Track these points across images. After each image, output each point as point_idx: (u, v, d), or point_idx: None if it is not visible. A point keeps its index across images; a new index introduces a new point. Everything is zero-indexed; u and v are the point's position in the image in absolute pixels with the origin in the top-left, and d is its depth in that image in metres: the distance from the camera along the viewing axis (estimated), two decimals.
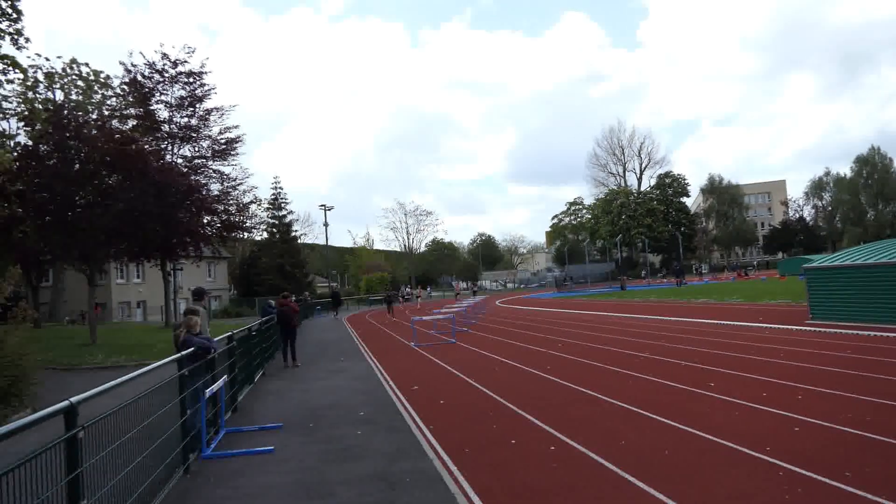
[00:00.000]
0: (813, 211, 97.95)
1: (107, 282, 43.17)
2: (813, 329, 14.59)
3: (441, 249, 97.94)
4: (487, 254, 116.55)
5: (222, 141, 31.97)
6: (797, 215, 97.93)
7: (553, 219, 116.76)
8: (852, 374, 8.83)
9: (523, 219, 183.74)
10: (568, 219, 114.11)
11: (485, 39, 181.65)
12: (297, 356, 15.07)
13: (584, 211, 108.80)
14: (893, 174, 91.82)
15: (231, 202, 31.64)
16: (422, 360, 14.15)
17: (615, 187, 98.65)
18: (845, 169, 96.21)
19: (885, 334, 12.78)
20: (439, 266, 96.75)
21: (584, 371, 10.91)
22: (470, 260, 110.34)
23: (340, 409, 9.01)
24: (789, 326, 15.43)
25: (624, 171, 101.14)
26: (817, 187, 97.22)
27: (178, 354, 6.55)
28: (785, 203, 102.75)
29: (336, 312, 40.33)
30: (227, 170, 32.31)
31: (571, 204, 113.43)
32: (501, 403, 8.55)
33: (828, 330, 14.20)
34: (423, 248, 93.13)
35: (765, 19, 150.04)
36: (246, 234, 38.54)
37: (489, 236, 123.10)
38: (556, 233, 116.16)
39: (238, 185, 32.28)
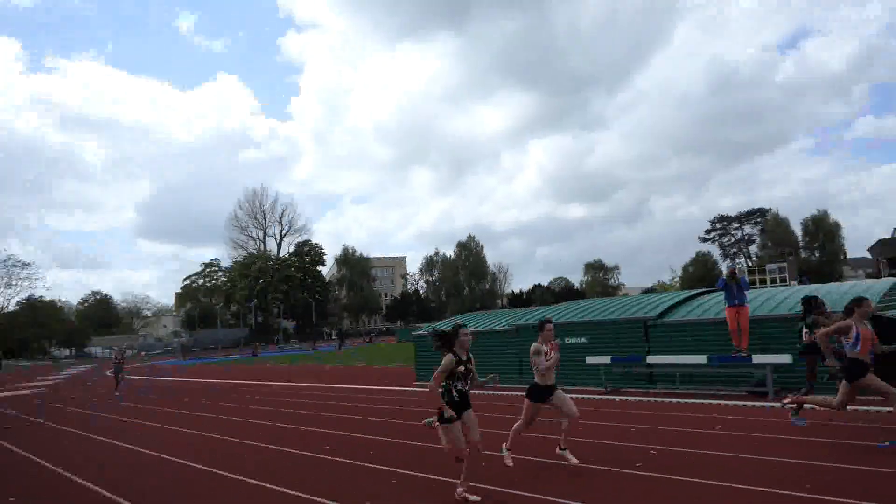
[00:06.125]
0: (425, 285, 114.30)
1: None
2: (415, 389, 16.60)
3: (38, 309, 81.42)
4: (103, 315, 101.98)
5: None
6: (413, 288, 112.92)
7: (186, 280, 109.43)
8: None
9: (152, 278, 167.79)
10: (202, 280, 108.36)
11: (124, 80, 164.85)
12: None
13: (221, 273, 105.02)
14: (483, 258, 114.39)
15: None
16: None
17: (255, 251, 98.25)
18: (451, 251, 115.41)
19: None
20: (34, 330, 79.81)
21: (202, 444, 10.16)
22: (78, 323, 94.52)
23: None
24: (398, 388, 17.26)
25: (264, 236, 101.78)
26: (429, 265, 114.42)
27: None
28: (404, 277, 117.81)
29: None
30: None
31: (207, 265, 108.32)
32: (89, 489, 7.30)
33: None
34: (12, 307, 76.28)
35: (393, 118, 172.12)
36: None
37: (106, 295, 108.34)
38: (187, 295, 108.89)
39: None
